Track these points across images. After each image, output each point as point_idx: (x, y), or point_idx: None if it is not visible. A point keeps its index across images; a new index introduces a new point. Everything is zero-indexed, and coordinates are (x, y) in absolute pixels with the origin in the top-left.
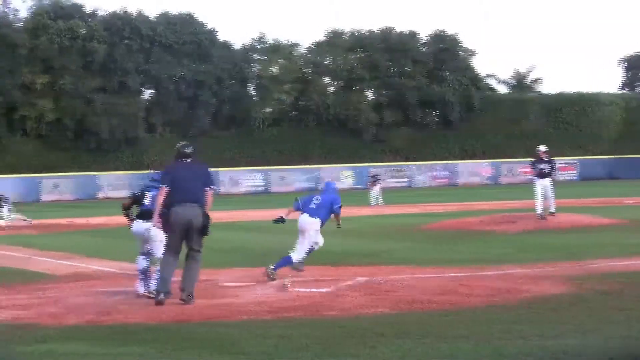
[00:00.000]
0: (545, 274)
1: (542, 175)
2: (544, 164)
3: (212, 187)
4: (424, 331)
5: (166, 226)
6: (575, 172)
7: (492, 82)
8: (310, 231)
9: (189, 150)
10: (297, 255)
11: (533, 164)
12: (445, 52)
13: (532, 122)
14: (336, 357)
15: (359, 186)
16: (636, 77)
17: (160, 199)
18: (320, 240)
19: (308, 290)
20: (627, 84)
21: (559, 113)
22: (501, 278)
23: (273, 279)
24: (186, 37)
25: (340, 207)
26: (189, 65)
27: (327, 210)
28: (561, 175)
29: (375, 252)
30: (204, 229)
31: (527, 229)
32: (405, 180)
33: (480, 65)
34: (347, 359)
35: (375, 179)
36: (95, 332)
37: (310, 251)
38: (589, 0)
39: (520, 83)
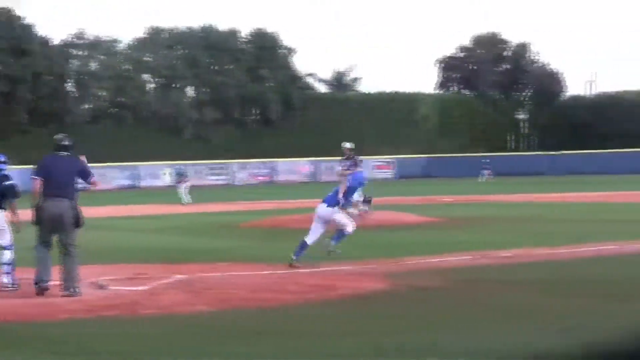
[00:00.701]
0: (367, 271)
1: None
2: (348, 162)
3: (92, 176)
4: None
5: (37, 219)
6: (392, 170)
7: (311, 81)
8: (320, 215)
9: (66, 142)
10: (310, 238)
11: (341, 162)
12: (266, 50)
13: (351, 120)
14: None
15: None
16: (450, 78)
17: (36, 191)
18: (343, 221)
19: (126, 288)
20: (443, 84)
21: (377, 112)
22: (320, 275)
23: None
24: (2, 31)
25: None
26: (5, 60)
27: (334, 196)
28: (378, 173)
29: (193, 249)
30: (76, 222)
31: None
32: (224, 177)
33: (300, 64)
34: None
35: (181, 177)
36: None
37: (340, 236)
38: (408, 2)
39: (339, 82)
